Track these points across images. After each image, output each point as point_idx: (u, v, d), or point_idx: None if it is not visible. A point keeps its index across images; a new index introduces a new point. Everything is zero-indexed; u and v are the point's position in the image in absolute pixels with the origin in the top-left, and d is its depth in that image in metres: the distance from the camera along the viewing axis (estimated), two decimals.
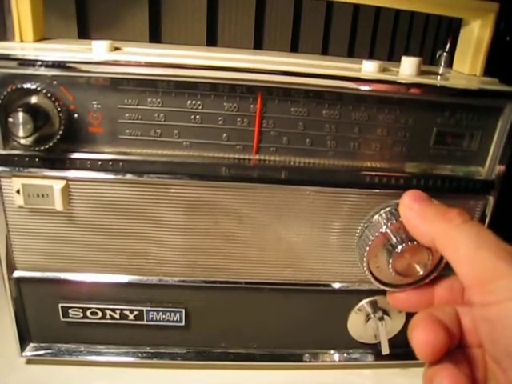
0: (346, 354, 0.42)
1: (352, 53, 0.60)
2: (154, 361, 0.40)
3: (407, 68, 0.34)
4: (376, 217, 0.35)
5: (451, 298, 0.32)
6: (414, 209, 0.30)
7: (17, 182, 0.33)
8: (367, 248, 0.34)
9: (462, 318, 0.29)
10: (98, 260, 0.36)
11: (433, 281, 0.34)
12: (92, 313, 0.38)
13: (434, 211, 0.29)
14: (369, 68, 0.34)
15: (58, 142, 0.31)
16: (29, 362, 0.40)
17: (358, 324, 0.40)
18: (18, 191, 0.33)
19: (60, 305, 0.37)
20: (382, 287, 0.36)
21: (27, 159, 0.32)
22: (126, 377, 0.40)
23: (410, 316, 0.36)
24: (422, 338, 0.27)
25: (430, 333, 0.27)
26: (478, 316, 0.26)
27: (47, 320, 0.38)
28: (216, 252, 0.36)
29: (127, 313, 0.38)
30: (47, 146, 0.31)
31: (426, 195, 0.31)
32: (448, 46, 0.41)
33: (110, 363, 0.40)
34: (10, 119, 0.29)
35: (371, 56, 0.61)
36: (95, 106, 0.32)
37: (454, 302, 0.32)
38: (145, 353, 0.40)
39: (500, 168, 0.35)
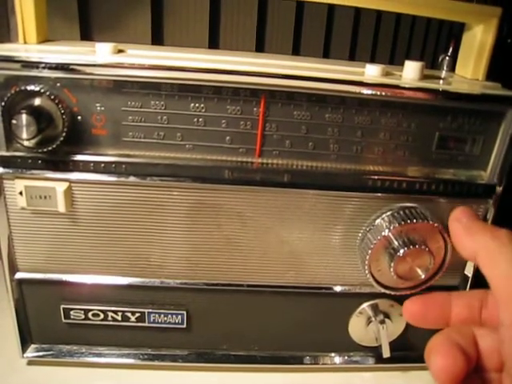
0: (346, 357, 0.42)
1: (353, 56, 0.60)
2: (156, 363, 0.40)
3: (410, 72, 0.35)
4: (378, 220, 0.35)
5: (469, 316, 0.31)
6: (462, 222, 0.31)
7: (19, 184, 0.33)
8: (369, 251, 0.35)
9: (479, 340, 0.28)
10: (100, 262, 0.36)
11: (450, 297, 0.33)
12: (94, 314, 0.38)
13: (482, 227, 0.30)
14: (372, 72, 0.34)
15: (61, 144, 0.31)
16: (30, 363, 0.40)
17: (359, 327, 0.40)
18: (20, 193, 0.33)
19: (62, 306, 0.37)
20: (383, 290, 0.36)
21: (30, 161, 0.33)
22: (128, 378, 0.39)
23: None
24: (440, 363, 0.27)
25: (450, 358, 0.27)
26: (506, 335, 0.26)
27: (49, 321, 0.38)
28: (218, 255, 0.36)
29: (129, 315, 0.38)
30: (50, 148, 0.31)
31: (476, 214, 0.32)
32: (450, 50, 0.41)
33: (111, 365, 0.40)
34: (14, 121, 0.29)
35: (372, 60, 0.61)
36: (98, 108, 0.32)
37: (472, 321, 0.31)
38: (146, 354, 0.40)
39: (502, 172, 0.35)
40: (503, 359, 0.27)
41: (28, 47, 0.34)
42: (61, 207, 0.33)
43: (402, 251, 0.33)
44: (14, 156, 0.32)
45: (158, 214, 0.35)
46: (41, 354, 0.39)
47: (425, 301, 0.34)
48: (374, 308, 0.40)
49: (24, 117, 0.29)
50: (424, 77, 0.35)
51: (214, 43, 0.53)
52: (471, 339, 0.28)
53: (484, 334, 0.29)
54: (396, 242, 0.34)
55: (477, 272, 0.36)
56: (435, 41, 0.66)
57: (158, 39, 0.51)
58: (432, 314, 0.33)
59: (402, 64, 0.35)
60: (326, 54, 0.58)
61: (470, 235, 0.30)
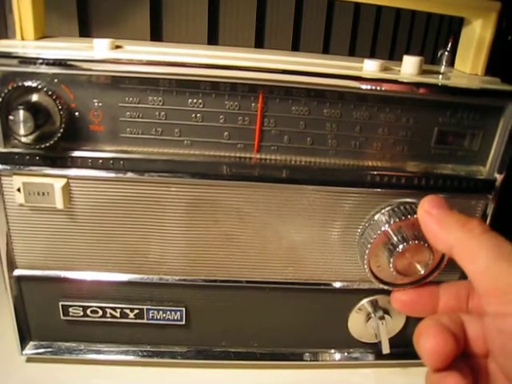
0: (346, 354, 0.42)
1: (353, 52, 0.60)
2: (155, 359, 0.40)
3: (409, 67, 0.34)
4: (377, 216, 0.35)
5: (456, 305, 0.32)
6: (433, 214, 0.30)
7: (17, 180, 0.33)
8: (368, 247, 0.34)
9: (466, 326, 0.29)
10: (99, 258, 0.36)
11: (438, 286, 0.33)
12: (92, 311, 0.38)
13: (454, 219, 0.28)
14: (370, 67, 0.34)
15: (59, 140, 0.31)
16: (29, 360, 0.40)
17: (359, 323, 0.40)
18: (18, 189, 0.33)
19: (60, 303, 0.37)
20: (382, 286, 0.36)
21: (28, 157, 0.32)
22: (127, 375, 0.39)
23: (410, 316, 0.36)
24: (430, 345, 0.27)
25: (440, 340, 0.27)
26: (491, 326, 0.26)
27: (47, 318, 0.38)
28: (217, 251, 0.36)
29: (128, 311, 0.38)
30: (48, 144, 0.31)
31: (446, 202, 0.30)
32: (449, 45, 0.41)
33: (110, 362, 0.40)
34: (11, 117, 0.29)
35: (372, 55, 0.61)
36: (96, 104, 0.32)
37: (459, 310, 0.31)
38: (145, 351, 0.40)
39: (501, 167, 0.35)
40: (488, 346, 0.27)
41: (25, 43, 0.33)
42: (59, 204, 0.33)
43: (401, 247, 0.33)
44: (11, 152, 0.32)
45: (156, 210, 0.35)
46: (40, 351, 0.39)
47: (413, 290, 0.34)
48: (374, 304, 0.40)
49: (21, 113, 0.29)
50: (423, 72, 0.35)
51: (213, 40, 0.53)
52: (459, 324, 0.29)
53: (471, 321, 0.29)
54: (395, 238, 0.33)
55: None
56: (435, 36, 0.66)
57: (156, 36, 0.51)
58: (420, 302, 0.33)
59: (402, 59, 0.35)
60: (326, 50, 0.57)
61: (443, 228, 0.29)
